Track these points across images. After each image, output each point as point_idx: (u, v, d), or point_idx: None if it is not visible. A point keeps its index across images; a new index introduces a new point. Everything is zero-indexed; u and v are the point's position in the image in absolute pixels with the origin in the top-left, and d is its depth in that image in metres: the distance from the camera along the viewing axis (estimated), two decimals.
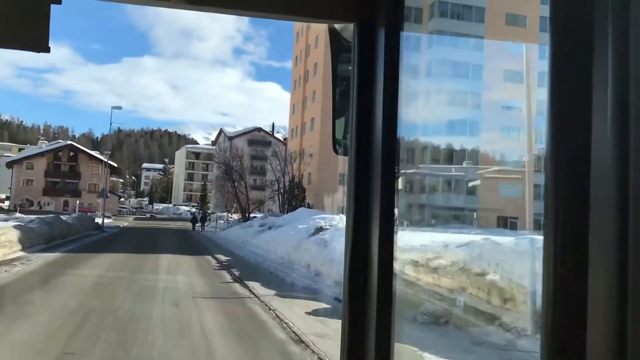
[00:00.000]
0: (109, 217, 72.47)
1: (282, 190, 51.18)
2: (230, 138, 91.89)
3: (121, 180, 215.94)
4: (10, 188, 78.97)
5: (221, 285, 14.83)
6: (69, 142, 79.84)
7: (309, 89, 55.78)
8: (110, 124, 42.86)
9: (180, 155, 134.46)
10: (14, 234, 20.32)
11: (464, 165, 42.84)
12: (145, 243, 29.41)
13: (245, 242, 31.27)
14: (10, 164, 78.99)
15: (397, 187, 1.42)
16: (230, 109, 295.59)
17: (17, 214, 62.46)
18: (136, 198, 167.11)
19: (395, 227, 1.40)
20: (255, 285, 14.46)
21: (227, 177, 51.59)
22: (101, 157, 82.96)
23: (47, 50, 1.01)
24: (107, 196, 45.02)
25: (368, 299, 1.40)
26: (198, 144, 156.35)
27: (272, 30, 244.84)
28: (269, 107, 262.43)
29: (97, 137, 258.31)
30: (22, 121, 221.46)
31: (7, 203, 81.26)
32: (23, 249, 20.53)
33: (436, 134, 42.97)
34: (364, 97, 1.45)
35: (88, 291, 12.26)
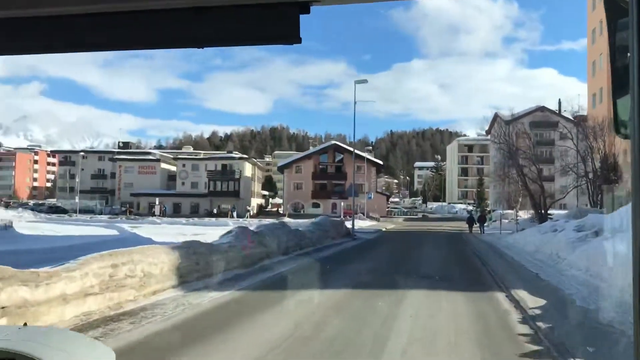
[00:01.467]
0: (375, 219, 65.66)
1: (589, 177, 36.46)
2: (508, 122, 77.51)
3: (395, 181, 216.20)
4: (282, 192, 78.44)
5: None
6: (333, 142, 75.78)
7: None
8: (355, 102, 33.01)
9: (452, 150, 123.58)
10: (167, 260, 11.95)
11: None
12: (395, 261, 19.26)
13: (555, 257, 18.74)
14: (281, 169, 78.30)
15: None
16: (503, 101, 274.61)
17: (286, 219, 59.27)
18: (410, 198, 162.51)
19: None
20: None
21: (510, 162, 38.94)
22: (365, 155, 77.09)
23: (299, 41, 1.09)
24: (357, 195, 36.64)
25: None
26: None
27: (544, 10, 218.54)
28: (545, 94, 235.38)
29: (372, 142, 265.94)
30: (306, 132, 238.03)
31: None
32: (181, 284, 12.07)
33: None
34: None
35: None
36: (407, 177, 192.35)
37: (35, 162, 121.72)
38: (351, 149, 76.34)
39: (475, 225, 43.38)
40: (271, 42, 1.12)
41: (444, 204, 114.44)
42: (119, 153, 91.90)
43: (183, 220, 56.45)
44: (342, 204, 61.73)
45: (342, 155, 75.59)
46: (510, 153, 38.04)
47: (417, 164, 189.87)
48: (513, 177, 43.75)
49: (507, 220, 46.70)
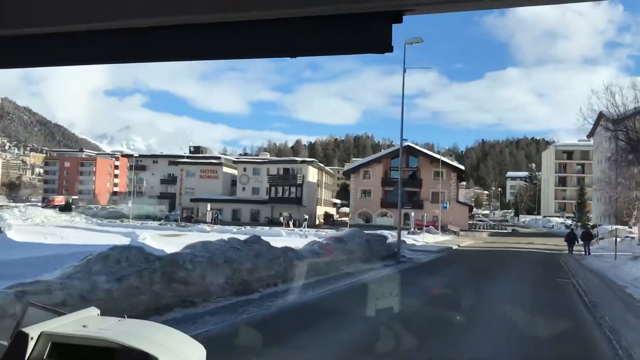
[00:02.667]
0: (453, 233, 55.22)
1: None
2: (616, 121, 64.40)
3: (486, 192, 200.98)
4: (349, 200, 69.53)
5: None
6: (405, 143, 65.96)
7: None
8: (404, 69, 23.59)
9: (548, 157, 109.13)
10: None
11: None
12: (428, 321, 9.93)
13: None
14: (347, 173, 69.40)
15: None
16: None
17: (347, 230, 50.57)
18: (501, 210, 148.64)
19: None
20: None
21: (631, 158, 28.03)
22: (443, 159, 66.60)
23: (391, 50, 1.08)
24: (404, 202, 27.43)
25: None
26: None
27: None
28: None
29: (462, 151, 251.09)
30: (392, 141, 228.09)
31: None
32: None
33: None
34: None
35: None
36: (499, 189, 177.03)
37: (116, 167, 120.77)
38: (426, 152, 66.21)
39: (577, 243, 32.54)
40: (363, 52, 1.10)
41: (538, 217, 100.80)
42: (188, 157, 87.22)
43: (234, 228, 49.31)
44: (412, 214, 51.90)
45: (416, 159, 65.60)
46: (632, 146, 27.10)
47: (510, 174, 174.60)
48: (627, 184, 32.70)
49: (619, 239, 35.40)
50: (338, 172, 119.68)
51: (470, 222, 78.15)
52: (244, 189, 70.75)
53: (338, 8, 1.04)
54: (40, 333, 1.23)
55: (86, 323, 1.32)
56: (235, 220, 68.08)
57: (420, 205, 63.45)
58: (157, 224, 56.82)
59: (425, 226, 48.76)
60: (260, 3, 1.05)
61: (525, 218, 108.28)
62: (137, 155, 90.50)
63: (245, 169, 71.76)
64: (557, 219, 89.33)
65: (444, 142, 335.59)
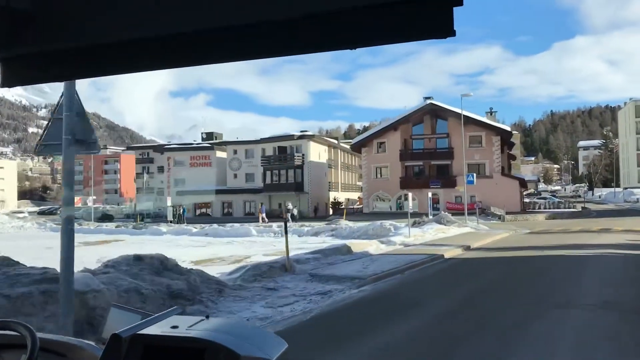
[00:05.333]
0: (497, 217, 38.17)
1: None
2: None
3: (556, 166, 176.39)
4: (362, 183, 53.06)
5: None
6: (429, 101, 48.46)
7: None
8: None
9: (625, 116, 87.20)
10: None
11: None
12: None
13: None
14: (357, 147, 52.86)
15: None
16: None
17: (342, 222, 34.91)
18: (573, 184, 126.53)
19: None
20: None
21: None
22: (481, 118, 48.88)
23: (453, 34, 0.96)
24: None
25: None
26: None
27: None
28: None
29: (529, 125, 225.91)
30: None
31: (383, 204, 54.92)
32: None
33: None
34: None
35: None
36: (572, 162, 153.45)
37: None
38: (458, 111, 48.72)
39: None
40: (424, 38, 0.98)
41: (617, 189, 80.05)
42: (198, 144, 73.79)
43: (194, 228, 34.88)
44: (430, 195, 35.08)
45: (445, 122, 48.22)
46: None
47: (581, 143, 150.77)
48: None
49: None
50: None
51: (528, 200, 59.81)
52: (235, 176, 56.16)
53: None
54: (133, 335, 1.22)
55: (174, 323, 1.30)
56: (227, 214, 53.72)
57: (453, 183, 46.39)
58: (113, 226, 43.60)
59: (466, 209, 32.25)
60: None
61: (601, 191, 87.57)
62: (157, 145, 78.30)
63: (235, 152, 57.06)
64: None
65: (511, 117, 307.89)
